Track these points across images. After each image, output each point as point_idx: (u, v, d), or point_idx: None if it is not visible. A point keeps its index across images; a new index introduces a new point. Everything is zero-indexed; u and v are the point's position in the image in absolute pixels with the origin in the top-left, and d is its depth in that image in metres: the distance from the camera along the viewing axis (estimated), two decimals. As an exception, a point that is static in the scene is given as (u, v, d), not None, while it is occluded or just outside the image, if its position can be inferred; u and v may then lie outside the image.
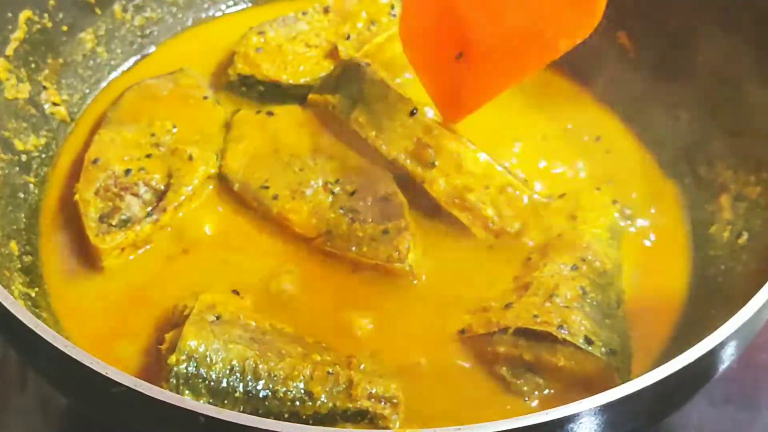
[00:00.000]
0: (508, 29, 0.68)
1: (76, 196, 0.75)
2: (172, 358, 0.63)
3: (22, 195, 0.78)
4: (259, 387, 0.63)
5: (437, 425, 0.52)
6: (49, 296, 0.73)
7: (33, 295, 0.71)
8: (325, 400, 0.64)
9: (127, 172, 0.76)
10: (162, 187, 0.76)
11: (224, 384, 0.63)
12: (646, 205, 0.80)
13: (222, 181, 0.78)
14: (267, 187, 0.76)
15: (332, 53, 0.85)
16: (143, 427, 0.58)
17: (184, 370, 0.63)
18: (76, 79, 0.86)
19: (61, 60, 0.85)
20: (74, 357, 0.54)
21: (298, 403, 0.64)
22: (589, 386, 0.65)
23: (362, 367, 0.66)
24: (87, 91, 0.87)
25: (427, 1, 0.73)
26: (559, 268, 0.71)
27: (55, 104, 0.83)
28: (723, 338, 0.58)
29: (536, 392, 0.67)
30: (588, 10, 0.63)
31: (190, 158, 0.77)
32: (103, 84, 0.88)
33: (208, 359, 0.64)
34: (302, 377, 0.64)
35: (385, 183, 0.75)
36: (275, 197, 0.76)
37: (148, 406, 0.54)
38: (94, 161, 0.77)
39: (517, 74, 0.70)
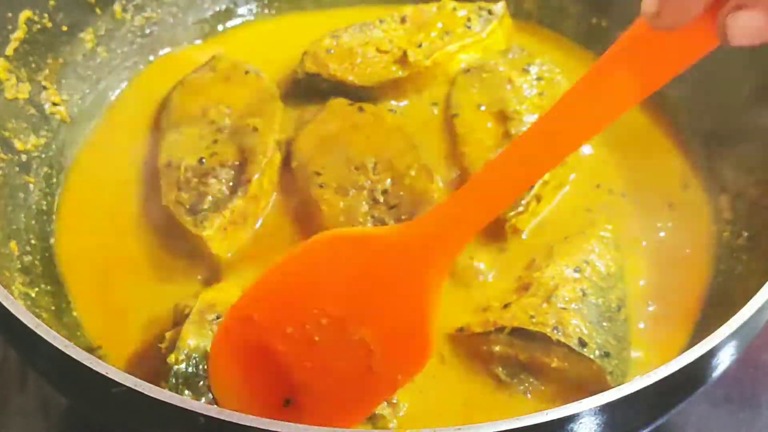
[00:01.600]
0: (338, 371, 0.61)
1: (164, 202, 0.76)
2: (172, 357, 0.64)
3: (22, 195, 0.78)
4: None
5: (431, 422, 0.52)
6: (69, 298, 0.74)
7: (33, 295, 0.71)
8: None
9: (201, 161, 0.78)
10: (238, 163, 0.78)
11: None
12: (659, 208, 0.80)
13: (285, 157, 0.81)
14: (319, 174, 0.77)
15: (401, 59, 0.86)
16: (143, 427, 0.58)
17: (184, 370, 0.64)
18: (76, 79, 0.86)
19: (61, 60, 0.85)
20: (74, 357, 0.54)
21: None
22: (582, 388, 0.65)
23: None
24: (87, 91, 0.87)
25: (241, 346, 0.63)
26: (561, 270, 0.71)
27: (55, 104, 0.83)
28: (723, 338, 0.58)
29: (530, 392, 0.67)
30: (419, 352, 0.61)
31: (255, 129, 0.79)
32: (103, 84, 0.88)
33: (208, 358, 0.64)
34: None
35: (427, 207, 0.75)
36: (321, 185, 0.77)
37: (148, 406, 0.54)
38: (168, 165, 0.78)
39: (359, 409, 0.63)
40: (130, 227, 0.78)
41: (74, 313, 0.74)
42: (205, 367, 0.64)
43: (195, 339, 0.64)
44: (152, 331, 0.71)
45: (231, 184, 0.77)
